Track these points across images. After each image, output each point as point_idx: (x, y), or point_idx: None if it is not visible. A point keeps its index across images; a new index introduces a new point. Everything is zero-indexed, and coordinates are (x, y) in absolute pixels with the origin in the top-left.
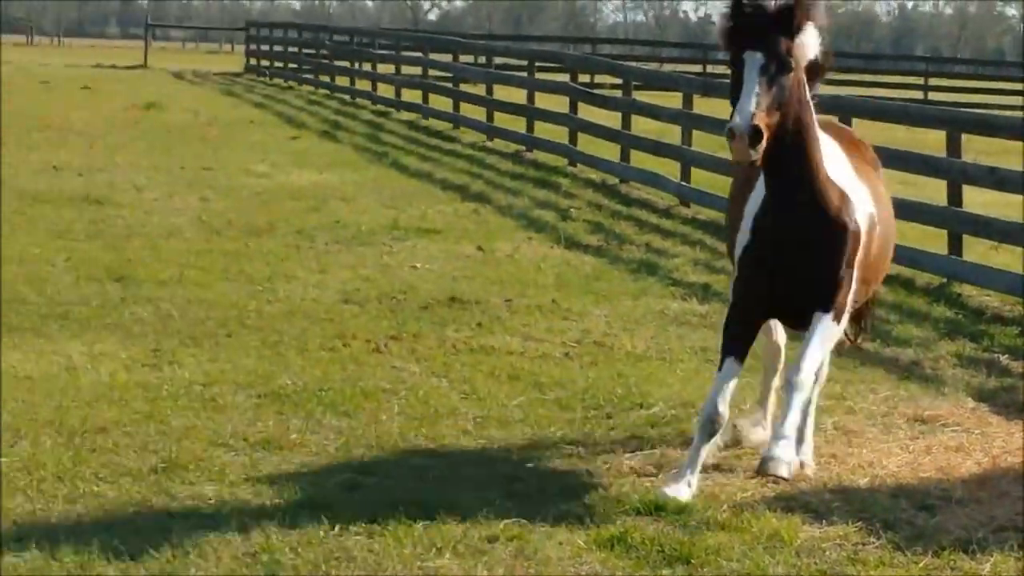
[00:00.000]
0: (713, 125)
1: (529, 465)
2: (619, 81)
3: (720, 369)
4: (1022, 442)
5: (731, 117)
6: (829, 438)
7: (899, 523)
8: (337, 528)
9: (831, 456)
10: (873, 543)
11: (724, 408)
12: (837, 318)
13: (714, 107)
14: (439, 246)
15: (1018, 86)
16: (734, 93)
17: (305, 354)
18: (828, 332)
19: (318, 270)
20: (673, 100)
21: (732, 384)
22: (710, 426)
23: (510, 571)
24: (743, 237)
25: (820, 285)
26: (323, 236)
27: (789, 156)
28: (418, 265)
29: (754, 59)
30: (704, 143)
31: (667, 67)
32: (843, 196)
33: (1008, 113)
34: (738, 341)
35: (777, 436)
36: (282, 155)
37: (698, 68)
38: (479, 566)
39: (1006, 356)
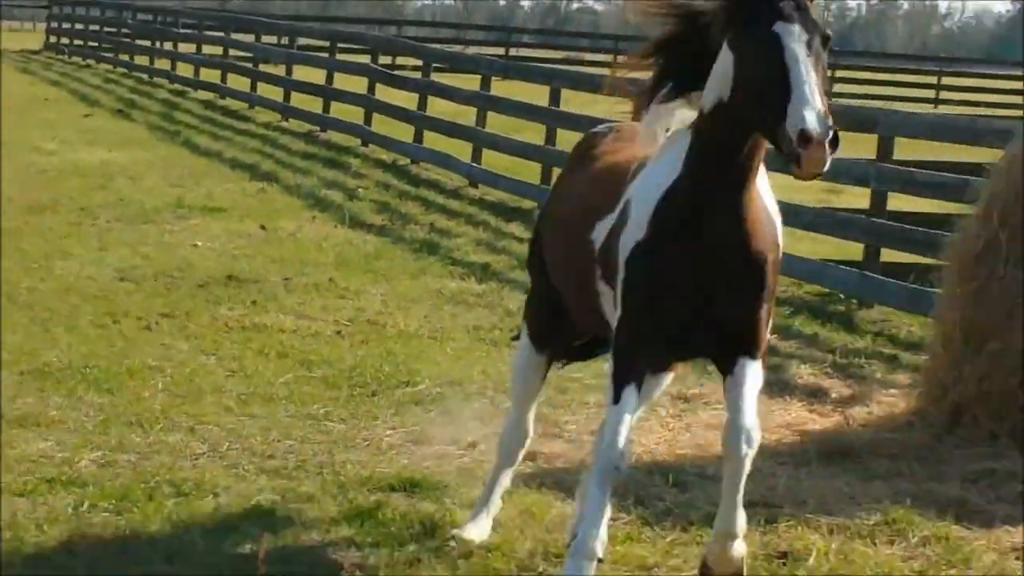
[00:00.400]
0: (509, 107)
1: (288, 442)
2: (420, 63)
3: (616, 401)
4: (780, 420)
5: (793, 115)
6: (591, 416)
7: (651, 499)
8: (86, 505)
9: (590, 433)
10: (623, 519)
11: (627, 447)
12: (764, 363)
13: (511, 89)
14: (222, 224)
15: None
16: (766, 83)
17: (74, 331)
18: (759, 381)
19: (97, 248)
20: (475, 83)
21: (632, 417)
22: (615, 473)
23: (257, 545)
24: (634, 231)
25: (746, 320)
26: (106, 214)
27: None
28: (199, 243)
29: (791, 33)
30: (499, 125)
31: (471, 50)
32: (768, 209)
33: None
34: (637, 368)
35: (727, 536)
36: (73, 133)
37: (501, 51)
38: (227, 542)
39: (774, 336)
